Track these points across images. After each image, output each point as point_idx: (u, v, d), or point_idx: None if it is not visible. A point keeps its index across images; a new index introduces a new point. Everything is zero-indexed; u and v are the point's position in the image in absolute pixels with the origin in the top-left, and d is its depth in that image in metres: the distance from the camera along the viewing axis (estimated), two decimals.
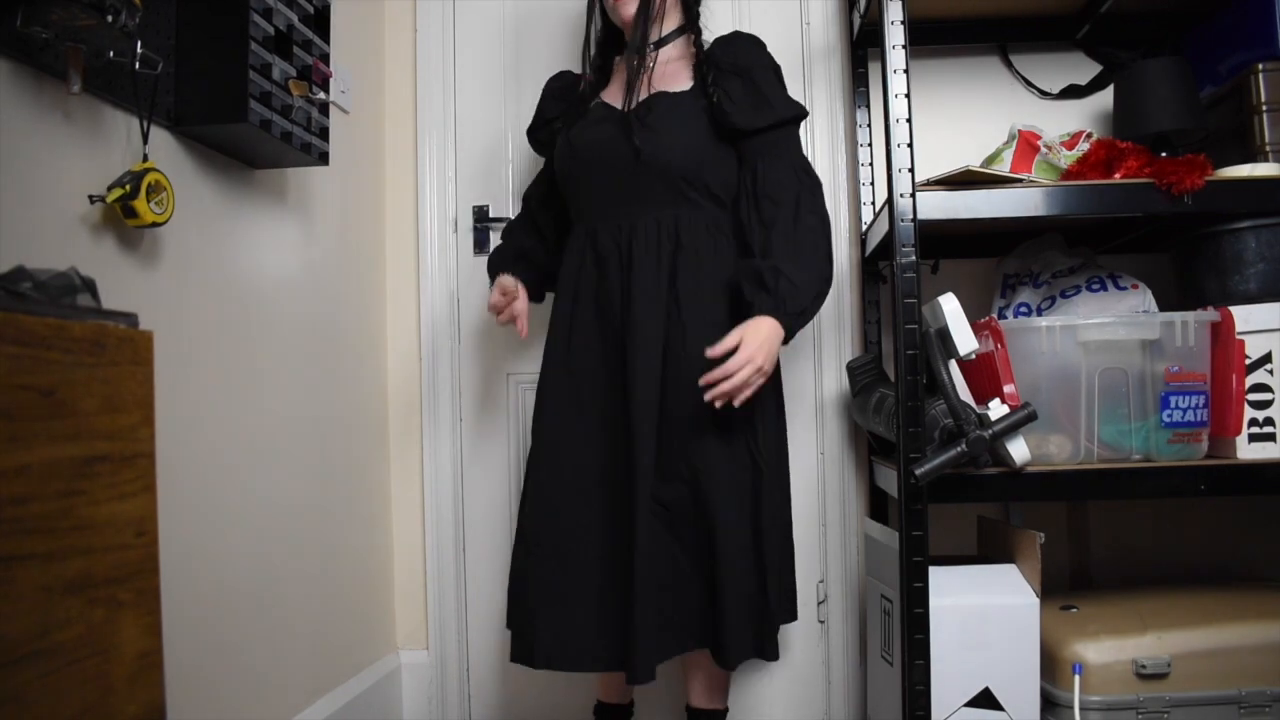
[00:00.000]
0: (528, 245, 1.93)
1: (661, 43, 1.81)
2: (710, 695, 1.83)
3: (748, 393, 1.55)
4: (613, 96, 1.82)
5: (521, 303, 1.85)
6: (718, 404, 1.55)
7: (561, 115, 1.87)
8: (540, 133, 1.93)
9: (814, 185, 1.71)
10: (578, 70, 1.94)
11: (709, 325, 1.64)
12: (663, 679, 2.11)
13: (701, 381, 1.54)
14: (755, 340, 1.54)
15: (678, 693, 2.10)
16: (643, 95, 1.74)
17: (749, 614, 1.65)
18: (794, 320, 1.59)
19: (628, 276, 1.70)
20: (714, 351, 1.53)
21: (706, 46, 1.79)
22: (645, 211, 1.71)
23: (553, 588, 1.68)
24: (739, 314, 1.62)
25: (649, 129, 1.69)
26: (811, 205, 1.68)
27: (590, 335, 1.74)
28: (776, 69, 1.77)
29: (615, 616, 1.63)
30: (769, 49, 1.78)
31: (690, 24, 1.83)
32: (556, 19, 2.29)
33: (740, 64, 1.73)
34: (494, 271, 1.91)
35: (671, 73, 1.79)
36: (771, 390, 1.74)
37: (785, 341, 1.60)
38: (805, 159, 1.75)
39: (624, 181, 1.71)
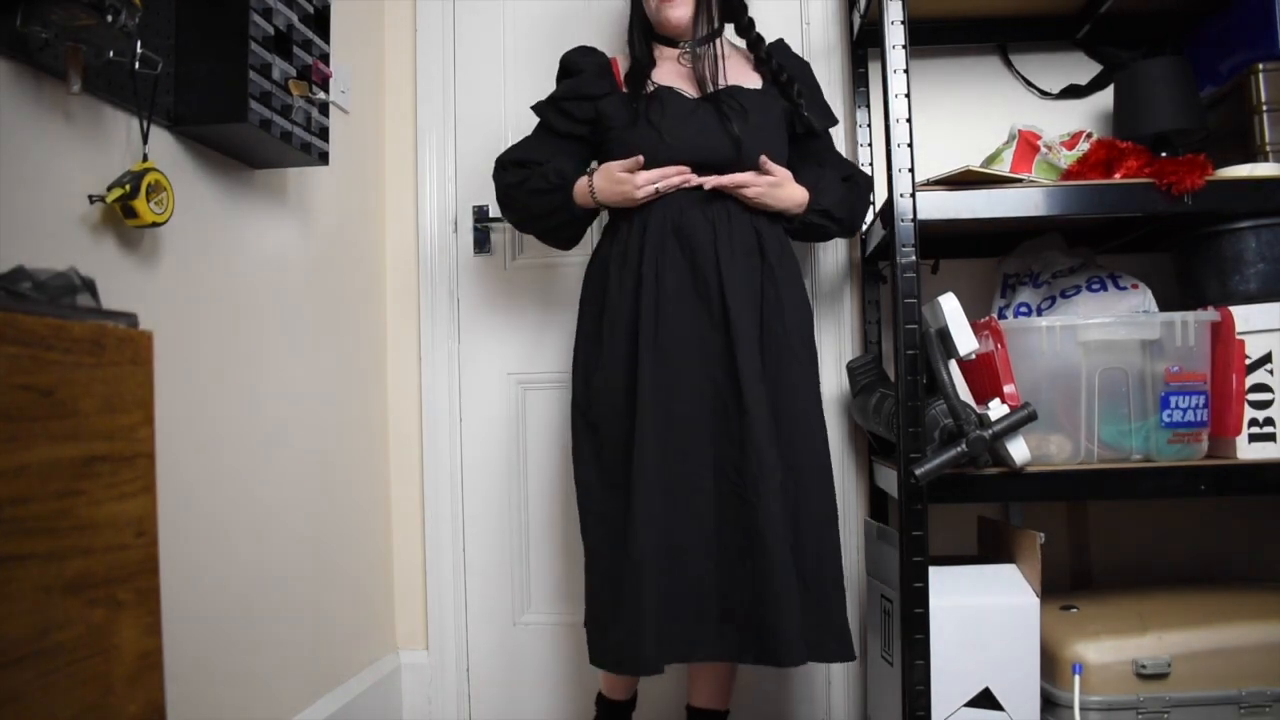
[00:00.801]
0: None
1: (712, 36, 1.84)
2: (714, 695, 1.82)
3: (745, 179, 1.73)
4: (675, 83, 1.82)
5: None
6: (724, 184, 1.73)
7: (608, 96, 1.83)
8: (575, 106, 1.85)
9: (869, 179, 2.00)
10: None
11: (797, 307, 1.77)
12: (662, 675, 2.11)
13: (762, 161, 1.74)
14: (788, 183, 1.77)
15: (669, 688, 2.10)
16: (712, 87, 1.81)
17: (829, 608, 1.67)
18: (813, 211, 1.80)
19: (722, 259, 1.71)
20: (765, 162, 1.74)
21: (761, 48, 1.89)
22: (736, 201, 1.75)
23: (666, 576, 1.63)
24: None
25: (749, 125, 1.75)
26: (869, 187, 1.97)
27: (685, 314, 1.71)
28: None
29: (741, 603, 1.63)
30: None
31: (735, 20, 1.89)
32: (557, 19, 2.29)
33: (800, 71, 1.91)
34: (563, 179, 1.80)
35: (733, 68, 1.85)
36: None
37: (793, 219, 1.80)
38: None
39: (721, 170, 1.74)
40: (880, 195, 2.14)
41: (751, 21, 1.89)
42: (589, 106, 1.84)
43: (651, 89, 1.81)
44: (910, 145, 1.60)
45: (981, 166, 1.80)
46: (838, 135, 2.21)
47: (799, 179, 1.80)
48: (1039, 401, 1.63)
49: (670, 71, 1.84)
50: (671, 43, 1.86)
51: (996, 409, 1.60)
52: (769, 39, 1.91)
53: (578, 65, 1.88)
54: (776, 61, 1.86)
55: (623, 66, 1.88)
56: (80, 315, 0.76)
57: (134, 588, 0.79)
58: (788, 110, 1.84)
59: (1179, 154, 1.75)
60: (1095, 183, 1.68)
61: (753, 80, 1.85)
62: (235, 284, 1.62)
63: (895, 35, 1.61)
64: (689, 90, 1.81)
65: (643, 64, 1.84)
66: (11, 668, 0.66)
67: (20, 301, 0.75)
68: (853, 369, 2.04)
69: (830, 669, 2.17)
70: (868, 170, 2.16)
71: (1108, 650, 1.63)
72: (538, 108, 1.91)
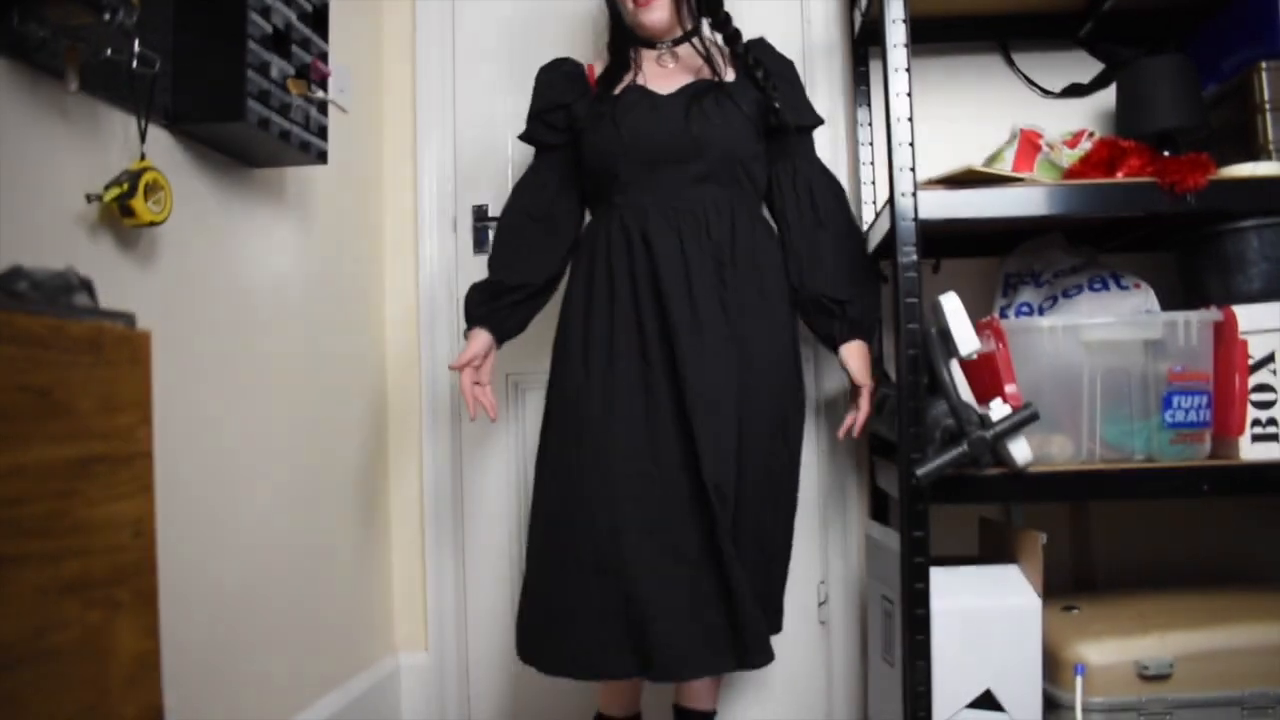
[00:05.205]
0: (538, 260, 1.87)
1: (690, 35, 1.83)
2: (702, 694, 1.80)
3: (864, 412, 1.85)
4: (655, 83, 1.81)
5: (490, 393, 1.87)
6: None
7: (580, 100, 1.83)
8: (553, 116, 1.85)
9: (842, 190, 1.93)
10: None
11: (764, 309, 1.76)
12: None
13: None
14: (862, 375, 1.82)
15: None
16: (680, 83, 1.80)
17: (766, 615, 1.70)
18: (872, 334, 1.86)
19: (682, 257, 1.70)
20: (851, 426, 1.84)
21: (738, 44, 1.85)
22: (704, 193, 1.74)
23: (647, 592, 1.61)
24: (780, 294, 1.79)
25: (716, 119, 1.74)
26: (850, 213, 1.92)
27: (627, 319, 1.72)
28: None
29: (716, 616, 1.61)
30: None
31: (713, 15, 1.85)
32: (557, 18, 2.28)
33: (780, 67, 1.86)
34: (479, 316, 1.85)
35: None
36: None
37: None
38: None
39: (684, 166, 1.73)
40: (882, 194, 2.13)
41: (728, 16, 1.85)
42: (562, 114, 1.84)
43: (621, 89, 1.81)
44: (911, 144, 1.60)
45: (983, 166, 1.80)
46: (839, 135, 2.21)
47: (773, 174, 1.84)
48: (1041, 402, 1.62)
49: (652, 72, 1.83)
50: (650, 44, 1.84)
51: (998, 409, 1.60)
52: (770, 38, 1.90)
53: (546, 79, 1.89)
54: (754, 56, 1.82)
55: (599, 71, 1.88)
56: (78, 315, 0.75)
57: (131, 589, 0.79)
58: (760, 103, 1.79)
59: (1181, 152, 1.74)
60: (1097, 182, 1.67)
61: (730, 76, 1.83)
62: (234, 283, 1.62)
63: (896, 34, 1.60)
64: (668, 88, 1.80)
65: (615, 66, 1.85)
66: (8, 670, 0.66)
67: (17, 301, 0.75)
68: None
69: (831, 670, 2.16)
70: (868, 169, 2.16)
71: (1110, 651, 1.62)
72: (525, 136, 1.90)
